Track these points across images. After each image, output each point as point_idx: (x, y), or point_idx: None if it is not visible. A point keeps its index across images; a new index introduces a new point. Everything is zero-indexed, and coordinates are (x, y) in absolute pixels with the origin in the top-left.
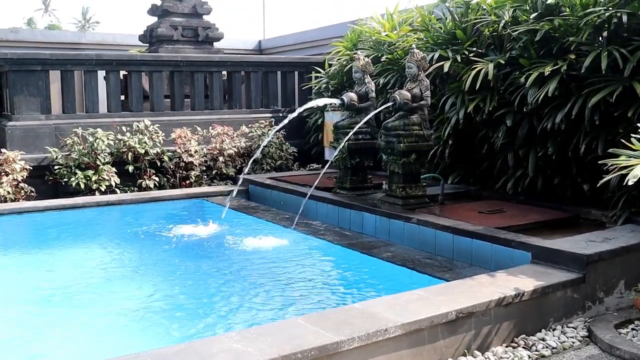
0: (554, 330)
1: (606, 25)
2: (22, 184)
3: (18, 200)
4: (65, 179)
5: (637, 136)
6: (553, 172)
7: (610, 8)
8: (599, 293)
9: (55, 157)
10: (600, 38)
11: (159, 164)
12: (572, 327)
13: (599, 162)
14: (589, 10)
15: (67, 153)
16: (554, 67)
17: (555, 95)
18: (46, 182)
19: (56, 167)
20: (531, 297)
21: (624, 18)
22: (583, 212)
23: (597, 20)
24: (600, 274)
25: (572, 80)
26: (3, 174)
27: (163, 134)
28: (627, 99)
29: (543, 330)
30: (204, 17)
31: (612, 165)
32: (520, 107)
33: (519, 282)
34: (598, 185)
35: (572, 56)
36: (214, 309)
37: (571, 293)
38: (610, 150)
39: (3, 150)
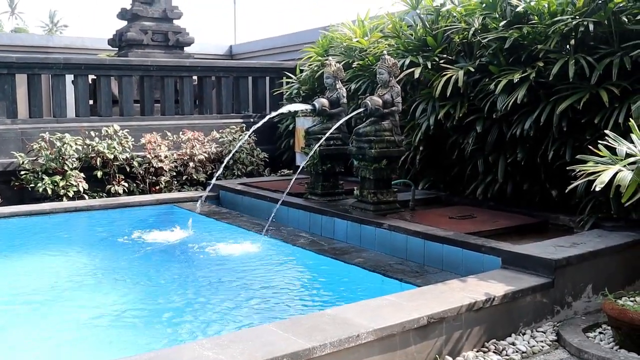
0: (523, 334)
1: (573, 34)
2: None
3: None
4: (31, 185)
5: (604, 142)
6: (522, 178)
7: (577, 17)
8: (567, 297)
9: (21, 162)
10: (567, 46)
11: (128, 170)
12: (542, 332)
13: (567, 168)
14: (556, 19)
15: (34, 158)
16: (523, 75)
17: (524, 102)
18: (12, 187)
19: (22, 173)
20: (501, 302)
21: (591, 27)
22: (551, 218)
23: (565, 29)
24: (568, 279)
25: (541, 88)
26: None
27: (132, 139)
28: (593, 106)
29: (513, 334)
30: (175, 21)
31: (580, 171)
32: (490, 114)
33: (489, 287)
34: (566, 191)
35: (541, 64)
36: (183, 316)
37: (540, 298)
38: (578, 156)
39: None
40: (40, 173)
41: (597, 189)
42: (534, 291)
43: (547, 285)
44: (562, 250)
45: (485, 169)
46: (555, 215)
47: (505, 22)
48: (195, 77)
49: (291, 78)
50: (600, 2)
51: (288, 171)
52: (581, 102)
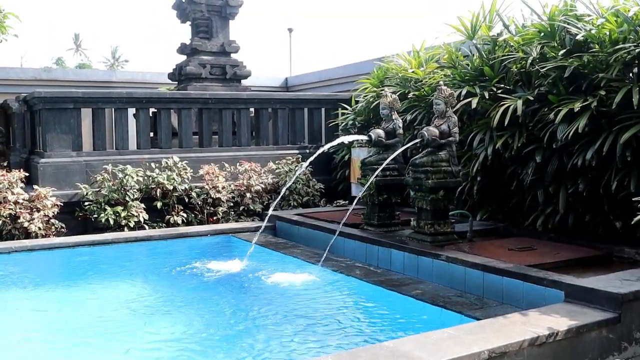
0: None
1: (636, 62)
2: (52, 220)
3: (49, 236)
4: (94, 215)
5: None
6: (584, 209)
7: None
8: (635, 333)
9: (85, 193)
10: (630, 74)
11: (186, 200)
12: None
13: (633, 199)
14: (618, 47)
15: (97, 189)
16: (584, 104)
17: (586, 131)
18: (76, 218)
19: (86, 203)
20: (565, 337)
21: None
22: (616, 250)
23: (627, 57)
24: (636, 314)
25: (603, 117)
26: (35, 210)
27: (191, 171)
28: None
29: None
30: (232, 55)
31: None
32: (550, 144)
33: (552, 321)
34: (632, 222)
35: (602, 92)
36: (242, 347)
37: (606, 333)
38: None
39: (35, 186)
40: (103, 204)
41: None
42: (599, 326)
43: (613, 320)
44: (628, 284)
45: (546, 199)
46: (620, 247)
47: (564, 50)
48: (252, 109)
49: (346, 109)
50: None
51: (344, 202)
52: None
